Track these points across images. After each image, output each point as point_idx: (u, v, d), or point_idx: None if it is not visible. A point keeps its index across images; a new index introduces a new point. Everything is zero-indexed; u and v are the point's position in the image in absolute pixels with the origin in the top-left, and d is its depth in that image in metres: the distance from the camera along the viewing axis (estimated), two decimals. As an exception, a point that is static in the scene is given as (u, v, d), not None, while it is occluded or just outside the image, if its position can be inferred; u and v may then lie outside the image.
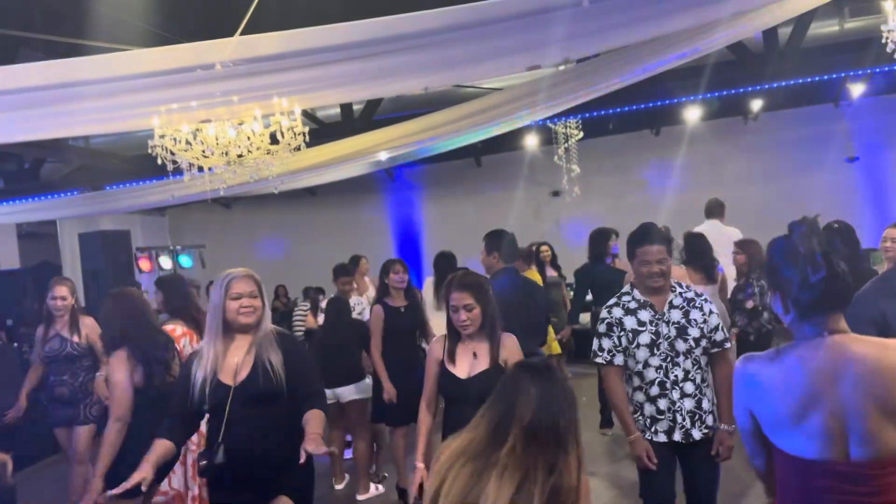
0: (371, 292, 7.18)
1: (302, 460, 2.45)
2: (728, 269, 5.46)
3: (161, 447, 2.68)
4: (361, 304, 6.02)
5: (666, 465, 2.98)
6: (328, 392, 4.91)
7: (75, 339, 4.59)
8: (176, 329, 4.03)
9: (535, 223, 11.37)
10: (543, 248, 7.44)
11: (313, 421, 2.63)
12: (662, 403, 2.97)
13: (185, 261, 10.60)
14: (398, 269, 4.80)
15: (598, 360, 3.05)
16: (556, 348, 6.58)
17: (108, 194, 8.16)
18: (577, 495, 1.63)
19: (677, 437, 2.95)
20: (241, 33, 4.15)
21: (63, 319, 4.59)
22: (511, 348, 2.93)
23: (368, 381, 5.03)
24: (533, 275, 6.16)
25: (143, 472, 2.51)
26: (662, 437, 2.97)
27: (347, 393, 4.98)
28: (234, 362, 2.74)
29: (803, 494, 1.65)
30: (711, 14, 3.92)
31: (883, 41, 4.44)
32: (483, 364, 2.88)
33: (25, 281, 9.31)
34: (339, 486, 5.23)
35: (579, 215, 10.93)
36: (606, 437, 5.84)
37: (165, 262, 10.07)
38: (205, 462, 2.70)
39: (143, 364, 3.32)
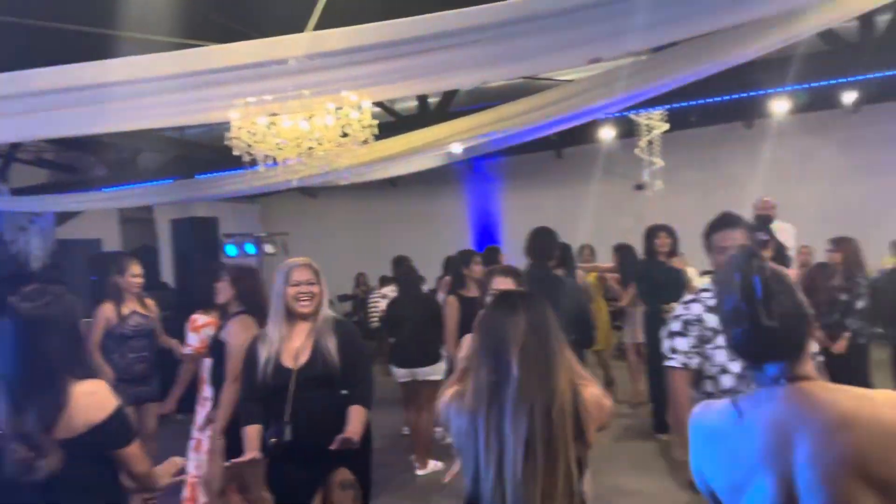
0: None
1: (333, 446, 2.72)
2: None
3: (255, 432, 2.92)
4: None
5: None
6: (404, 371, 5.23)
7: (149, 315, 4.68)
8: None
9: (616, 218, 11.06)
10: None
11: (354, 419, 2.89)
12: None
13: (249, 248, 10.83)
14: (478, 262, 5.03)
15: (673, 363, 2.68)
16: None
17: (193, 183, 8.56)
18: (576, 411, 1.82)
19: None
20: (314, 28, 4.25)
21: (137, 297, 4.65)
22: None
23: (443, 364, 5.17)
24: None
25: (254, 454, 2.84)
26: None
27: (424, 374, 5.25)
28: (294, 346, 2.94)
29: None
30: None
31: None
32: None
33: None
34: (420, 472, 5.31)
35: (663, 211, 10.52)
36: (660, 443, 5.65)
37: (250, 249, 10.49)
38: (274, 440, 2.89)
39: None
